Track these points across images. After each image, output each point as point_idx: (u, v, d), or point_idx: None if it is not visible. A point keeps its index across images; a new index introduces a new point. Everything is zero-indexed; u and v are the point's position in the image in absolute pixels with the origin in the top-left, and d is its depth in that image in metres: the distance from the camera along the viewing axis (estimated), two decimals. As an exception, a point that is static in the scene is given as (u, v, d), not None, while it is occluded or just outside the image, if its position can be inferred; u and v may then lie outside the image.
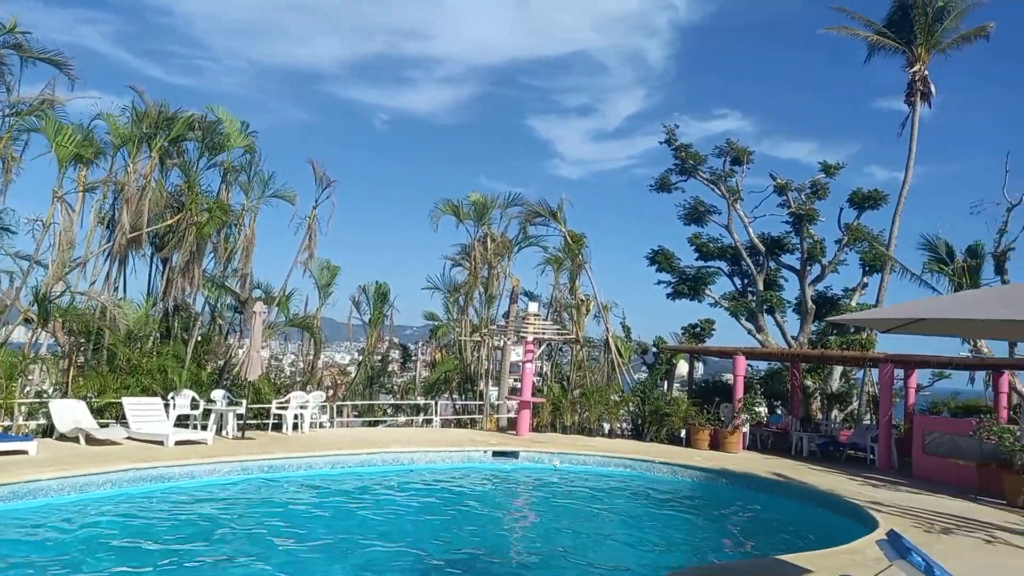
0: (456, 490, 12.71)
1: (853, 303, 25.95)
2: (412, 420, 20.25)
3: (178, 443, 12.57)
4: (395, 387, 24.73)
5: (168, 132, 16.74)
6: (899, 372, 17.79)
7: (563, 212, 22.89)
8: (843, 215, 26.53)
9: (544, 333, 18.44)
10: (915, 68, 24.08)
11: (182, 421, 14.30)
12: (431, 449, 14.39)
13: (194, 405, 14.32)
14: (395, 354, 26.14)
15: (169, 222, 16.82)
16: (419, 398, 21.90)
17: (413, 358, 26.73)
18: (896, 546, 6.16)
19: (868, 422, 20.85)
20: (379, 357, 24.41)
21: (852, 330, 22.82)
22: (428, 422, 19.13)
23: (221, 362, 18.50)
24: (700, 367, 30.10)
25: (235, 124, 17.68)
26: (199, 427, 14.28)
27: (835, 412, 24.10)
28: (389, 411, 22.15)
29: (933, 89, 24.17)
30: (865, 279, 26.35)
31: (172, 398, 14.14)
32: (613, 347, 22.13)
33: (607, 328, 22.59)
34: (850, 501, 11.39)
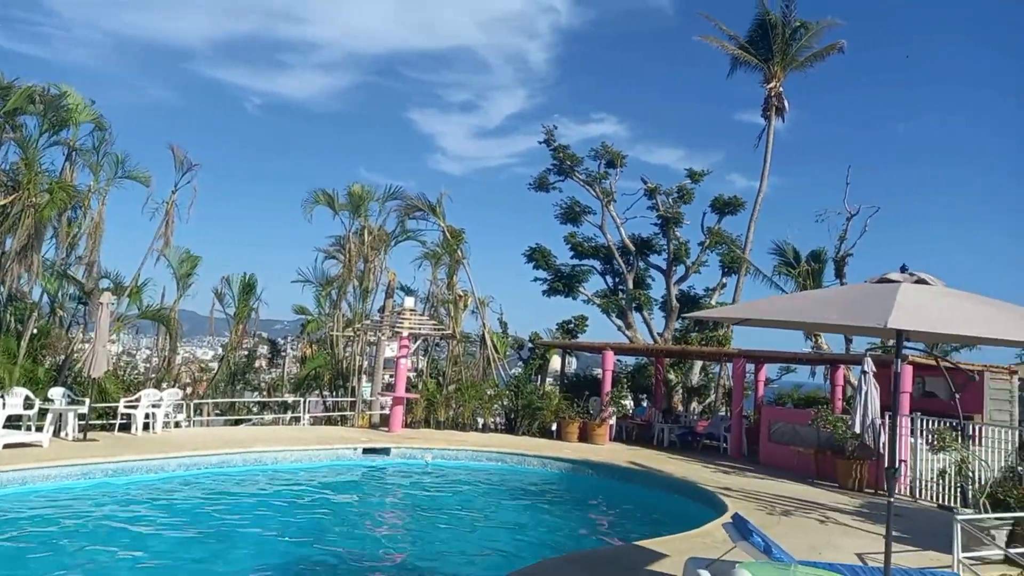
0: (323, 490, 12.33)
1: (713, 301, 27.60)
2: (280, 418, 19.45)
3: (7, 446, 11.37)
4: (262, 384, 23.67)
5: (3, 104, 15.08)
6: (751, 367, 19.12)
7: (442, 207, 22.81)
8: (706, 219, 28.17)
9: (420, 328, 18.28)
10: (771, 84, 25.95)
11: (14, 422, 12.93)
12: (297, 448, 13.87)
13: (28, 404, 12.99)
14: (263, 349, 25.02)
15: (3, 202, 15.16)
16: (287, 395, 21.07)
17: (282, 353, 25.69)
18: (740, 528, 6.57)
19: (723, 413, 22.25)
20: (245, 352, 23.25)
21: (711, 327, 24.27)
22: (297, 420, 18.45)
23: (61, 357, 16.91)
24: (573, 362, 30.95)
25: (79, 99, 16.19)
26: (34, 428, 12.97)
27: (694, 404, 25.58)
28: (255, 409, 21.17)
29: (787, 105, 26.16)
30: (724, 279, 28.10)
31: (1, 397, 12.75)
32: (489, 343, 22.30)
33: (484, 324, 22.74)
34: (703, 487, 12.10)
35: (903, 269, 6.60)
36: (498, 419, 19.87)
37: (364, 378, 20.73)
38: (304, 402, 18.93)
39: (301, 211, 21.76)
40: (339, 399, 20.38)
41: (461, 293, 22.67)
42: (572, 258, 29.14)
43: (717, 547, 7.48)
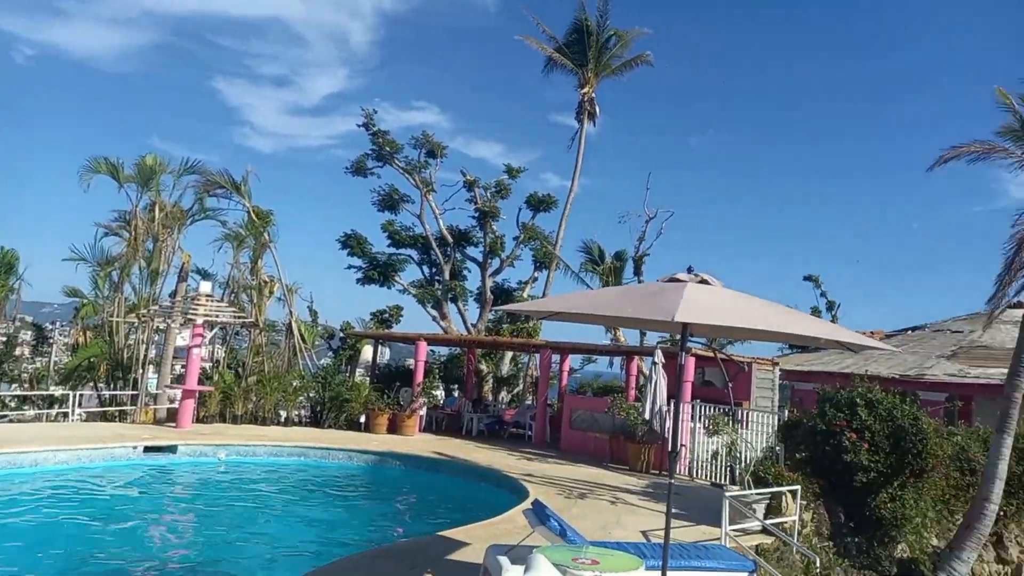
0: (93, 495, 10.94)
1: (525, 294, 28.55)
2: (44, 414, 17.07)
3: None
4: (23, 375, 20.64)
5: None
6: (556, 357, 20.00)
7: (248, 185, 21.31)
8: (521, 215, 29.03)
9: (218, 316, 16.91)
10: (585, 90, 27.29)
11: None
12: (64, 448, 12.21)
13: None
14: (26, 335, 21.83)
15: None
16: (54, 388, 18.54)
17: (49, 341, 22.59)
18: (539, 513, 6.76)
19: (529, 402, 23.11)
20: (2, 339, 20.14)
21: (522, 319, 25.08)
22: (65, 416, 16.28)
23: None
24: (386, 352, 30.52)
25: None
26: None
27: (503, 394, 26.32)
28: (12, 404, 18.39)
29: (598, 110, 27.66)
30: (536, 274, 29.15)
31: None
32: (296, 332, 21.25)
33: (291, 312, 21.62)
34: (507, 475, 12.43)
35: (689, 270, 7.20)
36: (303, 412, 19.00)
37: (151, 369, 18.80)
38: (74, 396, 16.76)
39: (78, 181, 19.20)
40: (118, 392, 18.29)
41: (267, 279, 21.35)
42: (389, 246, 28.68)
43: (518, 532, 7.66)
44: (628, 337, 25.07)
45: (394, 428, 17.22)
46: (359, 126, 28.16)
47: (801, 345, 26.20)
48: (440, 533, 8.37)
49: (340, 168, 29.42)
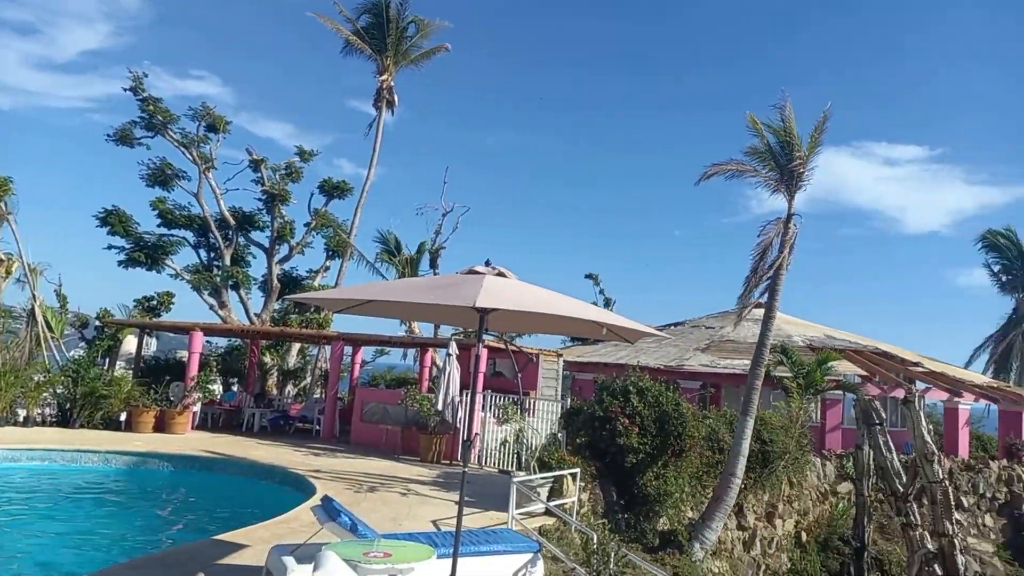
0: None
1: (316, 284, 27.41)
2: None
3: None
4: None
5: None
6: (349, 349, 19.44)
7: (-22, 145, 18.00)
8: (313, 200, 27.80)
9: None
10: (383, 77, 26.78)
11: None
12: None
13: None
14: None
15: None
16: None
17: None
18: (328, 509, 6.46)
19: (318, 396, 22.23)
20: None
21: (312, 309, 24.03)
22: None
23: None
24: (153, 343, 27.61)
25: None
26: None
27: (290, 387, 25.05)
28: None
29: (397, 99, 27.29)
30: (328, 262, 28.13)
31: None
32: (41, 319, 18.43)
33: (34, 295, 18.71)
34: (293, 471, 11.80)
35: (487, 263, 7.34)
36: (48, 410, 16.51)
37: None
38: None
39: None
40: None
41: (3, 257, 18.27)
42: (160, 226, 25.89)
43: (305, 531, 7.27)
44: (422, 330, 25.11)
45: (162, 426, 15.60)
46: (126, 90, 25.11)
47: (582, 338, 28.07)
48: (216, 537, 7.69)
49: (100, 135, 25.91)
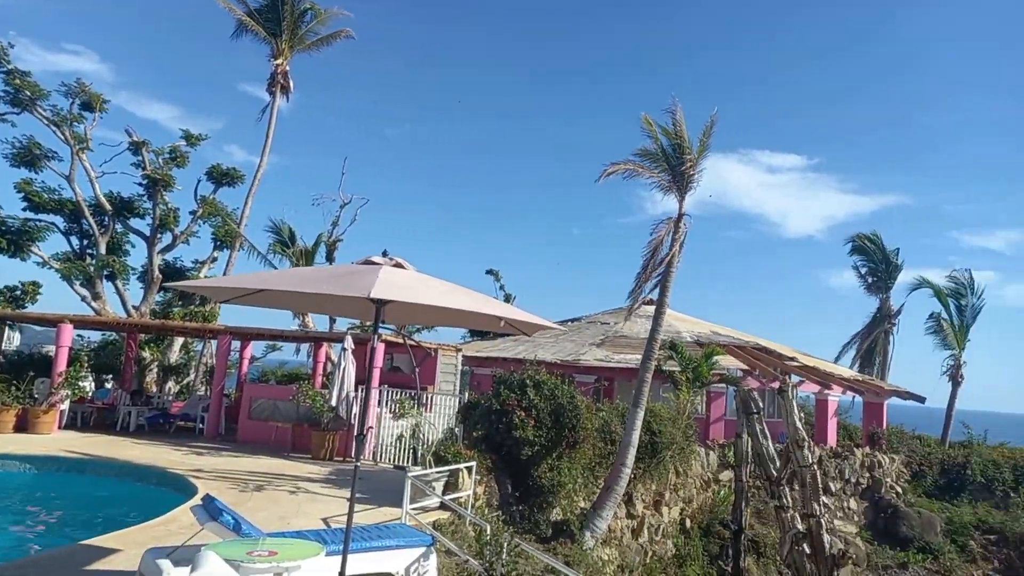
0: None
1: (202, 275, 26.00)
2: None
3: None
4: None
5: None
6: (237, 344, 18.60)
7: None
8: (200, 187, 26.36)
9: None
10: (278, 61, 25.77)
11: None
12: None
13: None
14: None
15: None
16: None
17: None
18: (209, 509, 6.16)
19: (202, 392, 21.14)
20: None
21: (197, 301, 22.82)
22: None
23: None
24: (16, 337, 25.41)
25: None
26: None
27: (171, 384, 23.68)
28: None
29: (292, 85, 26.32)
30: (215, 253, 26.76)
31: None
32: None
33: None
34: (172, 472, 11.16)
35: (384, 253, 7.23)
36: None
37: None
38: None
39: None
40: None
41: None
42: (26, 210, 23.76)
43: (183, 532, 6.90)
44: (317, 323, 24.40)
45: (24, 426, 14.36)
46: (-11, 60, 22.89)
47: (481, 332, 28.19)
48: (85, 542, 7.16)
49: (-45, 108, 23.43)
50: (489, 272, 32.52)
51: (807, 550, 10.55)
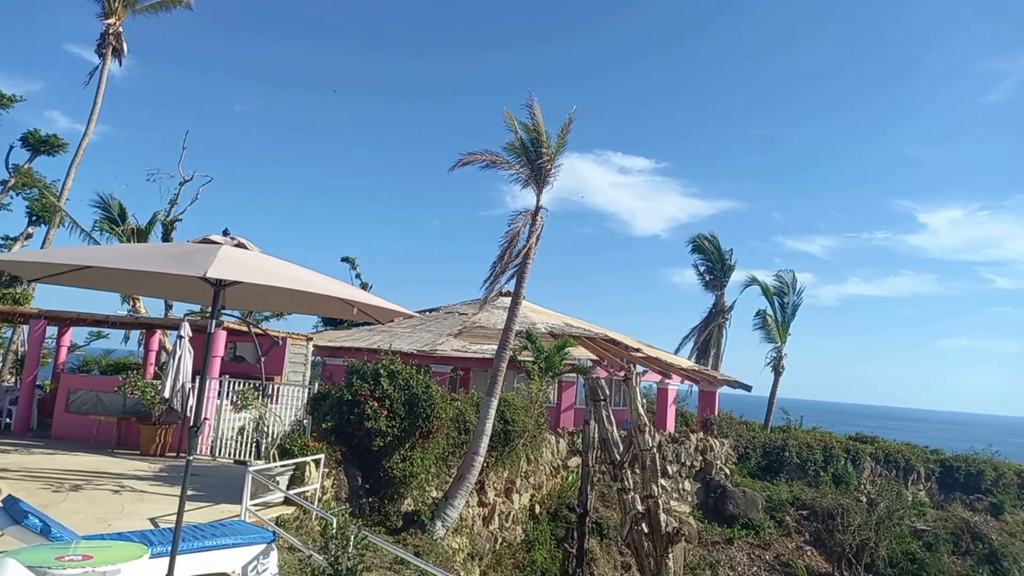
0: None
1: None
2: None
3: None
4: None
5: None
6: (53, 330, 16.73)
7: None
8: (13, 155, 23.44)
9: None
10: (110, 20, 23.40)
11: None
12: None
13: None
14: None
15: None
16: None
17: None
18: (11, 512, 5.51)
19: (11, 383, 18.86)
20: None
21: (4, 280, 20.27)
22: None
23: None
24: None
25: None
26: None
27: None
28: None
29: (126, 48, 24.00)
30: (31, 229, 23.97)
31: None
32: None
33: None
34: (-31, 473, 9.83)
35: (225, 232, 6.76)
36: None
37: None
38: None
39: None
40: None
41: None
42: None
43: (-23, 541, 6.06)
44: (150, 308, 22.49)
45: None
46: None
47: (335, 321, 27.30)
48: None
49: None
50: (345, 260, 31.56)
51: (645, 529, 11.17)
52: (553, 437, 19.43)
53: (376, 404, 11.65)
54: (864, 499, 23.45)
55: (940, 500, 27.55)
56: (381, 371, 12.09)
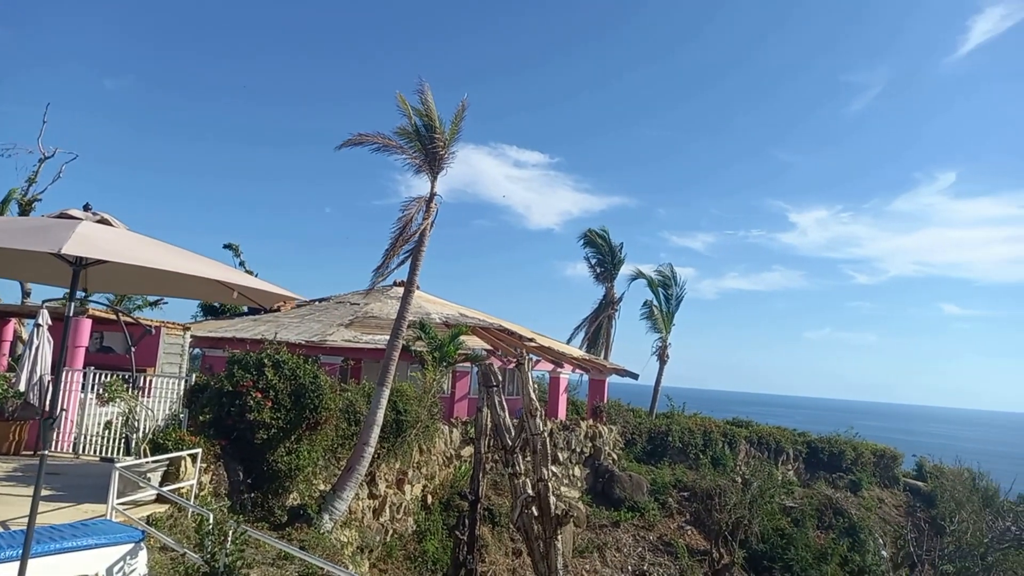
0: None
1: None
2: None
3: None
4: None
5: None
6: None
7: None
8: None
9: None
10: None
11: None
12: None
13: None
14: None
15: None
16: None
17: None
18: None
19: None
20: None
21: None
22: None
23: None
24: None
25: None
26: None
27: None
28: None
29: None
30: None
31: None
32: None
33: None
34: None
35: (86, 207, 6.30)
36: None
37: None
38: None
39: None
40: None
41: None
42: None
43: None
44: (4, 295, 20.52)
45: None
46: None
47: (215, 310, 25.97)
48: None
49: None
50: (228, 247, 29.99)
51: (535, 512, 11.33)
52: (447, 427, 19.37)
53: (260, 395, 11.16)
54: (739, 480, 24.89)
55: (806, 479, 29.69)
56: (265, 361, 11.59)
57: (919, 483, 32.74)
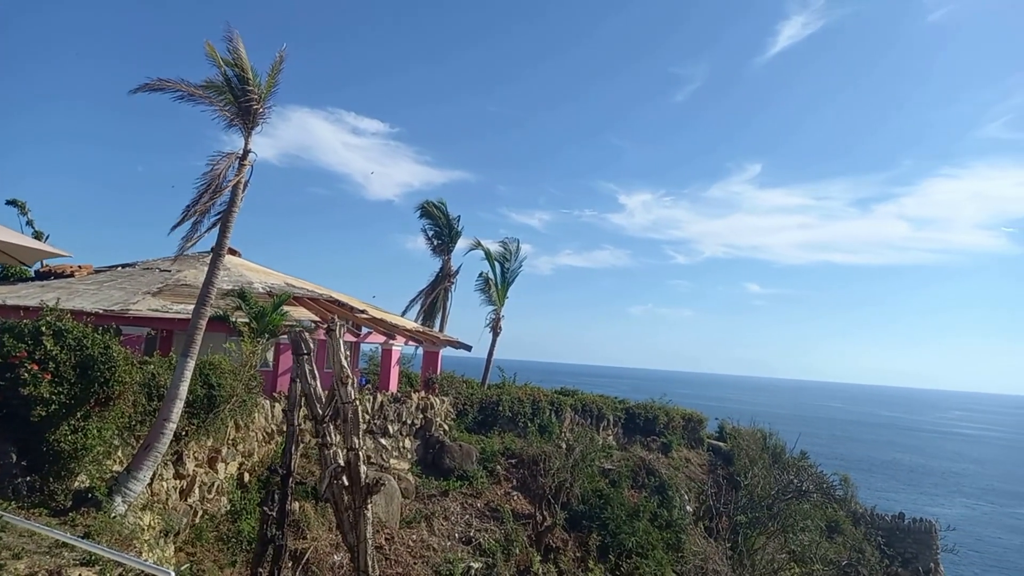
0: None
1: None
2: None
3: None
4: None
5: None
6: None
7: None
8: None
9: None
10: None
11: None
12: None
13: None
14: None
15: None
16: None
17: None
18: None
19: None
20: None
21: None
22: None
23: None
24: None
25: None
26: None
27: None
28: None
29: None
30: None
31: None
32: None
33: None
34: None
35: None
36: None
37: None
38: None
39: None
40: None
41: None
42: None
43: None
44: None
45: None
46: None
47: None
48: None
49: None
50: (12, 203, 26.21)
51: (345, 482, 11.08)
52: (268, 402, 18.46)
53: (36, 367, 9.90)
54: (564, 446, 26.07)
55: (624, 442, 31.75)
56: (44, 329, 10.28)
57: (720, 443, 36.25)
